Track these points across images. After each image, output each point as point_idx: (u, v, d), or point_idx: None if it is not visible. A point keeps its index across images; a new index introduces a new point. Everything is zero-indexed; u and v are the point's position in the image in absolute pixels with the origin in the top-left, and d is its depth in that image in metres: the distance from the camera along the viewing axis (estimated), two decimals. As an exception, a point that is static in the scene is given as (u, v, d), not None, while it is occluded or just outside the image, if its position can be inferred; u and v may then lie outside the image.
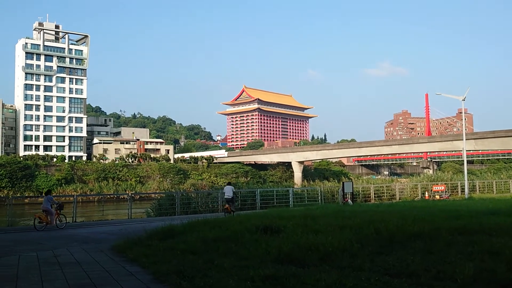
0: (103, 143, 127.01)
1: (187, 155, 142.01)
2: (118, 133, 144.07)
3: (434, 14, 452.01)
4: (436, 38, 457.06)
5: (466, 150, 44.68)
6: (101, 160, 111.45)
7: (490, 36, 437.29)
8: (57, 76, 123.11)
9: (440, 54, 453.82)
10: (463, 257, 8.55)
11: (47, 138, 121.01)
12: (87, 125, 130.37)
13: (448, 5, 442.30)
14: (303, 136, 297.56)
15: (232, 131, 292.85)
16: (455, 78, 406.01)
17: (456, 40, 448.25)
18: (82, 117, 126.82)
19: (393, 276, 7.64)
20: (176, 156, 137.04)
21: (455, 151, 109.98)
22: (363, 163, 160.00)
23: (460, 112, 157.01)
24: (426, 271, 7.72)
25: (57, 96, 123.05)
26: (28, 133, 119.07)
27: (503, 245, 9.12)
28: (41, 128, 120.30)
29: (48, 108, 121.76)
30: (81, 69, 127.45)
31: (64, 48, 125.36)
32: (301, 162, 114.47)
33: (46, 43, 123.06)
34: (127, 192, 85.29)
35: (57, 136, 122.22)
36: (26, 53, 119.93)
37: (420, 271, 7.75)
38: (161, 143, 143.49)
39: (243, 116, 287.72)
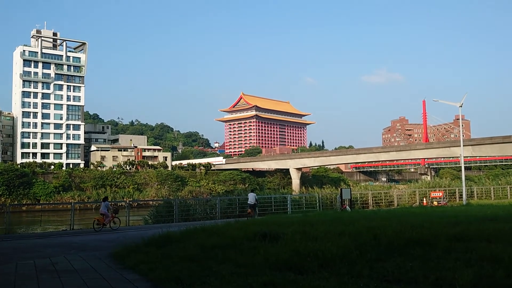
0: (101, 150, 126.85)
1: (185, 162, 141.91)
2: (116, 140, 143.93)
3: (430, 20, 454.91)
4: (433, 44, 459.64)
5: (464, 156, 44.80)
6: (99, 168, 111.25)
7: (487, 41, 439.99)
8: (54, 84, 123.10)
9: (436, 60, 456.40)
10: (462, 263, 8.53)
11: (44, 145, 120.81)
12: (85, 133, 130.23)
13: (444, 11, 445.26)
14: (301, 143, 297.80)
15: (230, 138, 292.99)
16: (452, 85, 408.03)
17: (452, 46, 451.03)
18: (80, 124, 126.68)
19: (392, 283, 7.62)
20: (174, 163, 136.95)
21: (452, 157, 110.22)
22: (361, 170, 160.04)
23: (457, 119, 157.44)
24: (425, 277, 7.70)
25: (54, 104, 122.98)
26: (25, 140, 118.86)
27: (502, 251, 9.10)
28: (39, 135, 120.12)
29: (45, 116, 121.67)
30: (79, 76, 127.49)
31: (62, 55, 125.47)
32: (299, 169, 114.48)
33: (44, 51, 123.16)
34: (124, 199, 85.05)
35: (54, 144, 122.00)
36: (23, 60, 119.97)
37: (419, 277, 7.73)
38: (159, 150, 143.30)
39: (241, 123, 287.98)
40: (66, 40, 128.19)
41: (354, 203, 35.46)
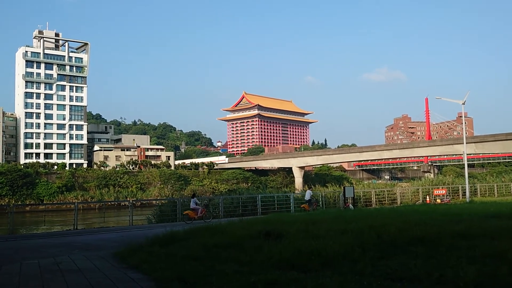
0: (104, 150, 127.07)
1: (187, 161, 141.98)
2: (119, 140, 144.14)
3: (432, 17, 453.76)
4: (434, 41, 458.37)
5: (467, 154, 44.71)
6: (102, 167, 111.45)
7: (490, 38, 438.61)
8: (57, 84, 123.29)
9: (438, 58, 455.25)
10: (465, 261, 8.51)
11: (47, 145, 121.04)
12: (88, 133, 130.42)
13: (445, 8, 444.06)
14: (303, 141, 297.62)
15: (233, 137, 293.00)
16: (455, 82, 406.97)
17: (454, 43, 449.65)
18: (83, 125, 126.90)
19: (395, 281, 7.62)
20: (176, 162, 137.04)
21: (455, 154, 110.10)
22: (364, 168, 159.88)
23: (460, 116, 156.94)
24: (428, 275, 7.70)
25: (57, 104, 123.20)
26: (28, 141, 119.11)
27: (505, 249, 9.09)
28: (42, 136, 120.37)
29: (48, 116, 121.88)
30: (81, 76, 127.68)
31: (64, 56, 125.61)
32: (301, 168, 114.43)
33: (46, 51, 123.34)
34: (128, 199, 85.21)
35: (57, 144, 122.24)
36: (26, 61, 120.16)
37: (422, 275, 7.73)
38: (161, 149, 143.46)
39: (243, 122, 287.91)
40: (68, 41, 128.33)
41: (357, 201, 35.45)
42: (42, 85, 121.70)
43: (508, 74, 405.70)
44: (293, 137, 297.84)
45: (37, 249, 15.17)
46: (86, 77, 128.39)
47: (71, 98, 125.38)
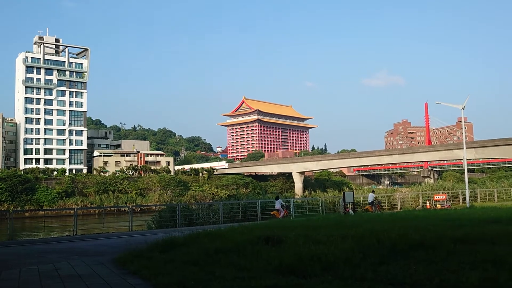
0: (104, 155, 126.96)
1: (187, 167, 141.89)
2: (119, 145, 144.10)
3: (431, 21, 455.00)
4: (433, 45, 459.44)
5: (467, 159, 44.68)
6: (102, 173, 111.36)
7: (489, 43, 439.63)
8: (57, 90, 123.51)
9: (437, 62, 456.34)
10: (466, 266, 8.50)
11: (47, 151, 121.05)
12: (87, 138, 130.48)
13: (445, 12, 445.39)
14: (303, 146, 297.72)
15: (233, 142, 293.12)
16: (454, 87, 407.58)
17: (454, 47, 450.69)
18: (82, 130, 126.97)
19: (396, 286, 7.60)
20: (176, 168, 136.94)
21: (455, 160, 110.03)
22: (364, 173, 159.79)
23: (460, 121, 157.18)
24: (429, 280, 7.67)
25: (57, 109, 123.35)
26: (28, 146, 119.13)
27: (506, 254, 9.07)
28: (42, 141, 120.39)
29: (48, 122, 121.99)
30: (81, 82, 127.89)
31: (64, 61, 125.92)
32: (301, 173, 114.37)
33: (46, 57, 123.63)
34: (127, 204, 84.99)
35: (57, 149, 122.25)
36: (26, 66, 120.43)
37: (423, 280, 7.70)
38: (161, 155, 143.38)
39: (243, 127, 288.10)
40: (68, 46, 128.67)
41: (357, 206, 35.38)
42: (42, 91, 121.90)
43: (508, 79, 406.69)
44: (293, 142, 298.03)
45: (36, 255, 15.10)
46: (86, 82, 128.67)
47: (71, 104, 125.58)
